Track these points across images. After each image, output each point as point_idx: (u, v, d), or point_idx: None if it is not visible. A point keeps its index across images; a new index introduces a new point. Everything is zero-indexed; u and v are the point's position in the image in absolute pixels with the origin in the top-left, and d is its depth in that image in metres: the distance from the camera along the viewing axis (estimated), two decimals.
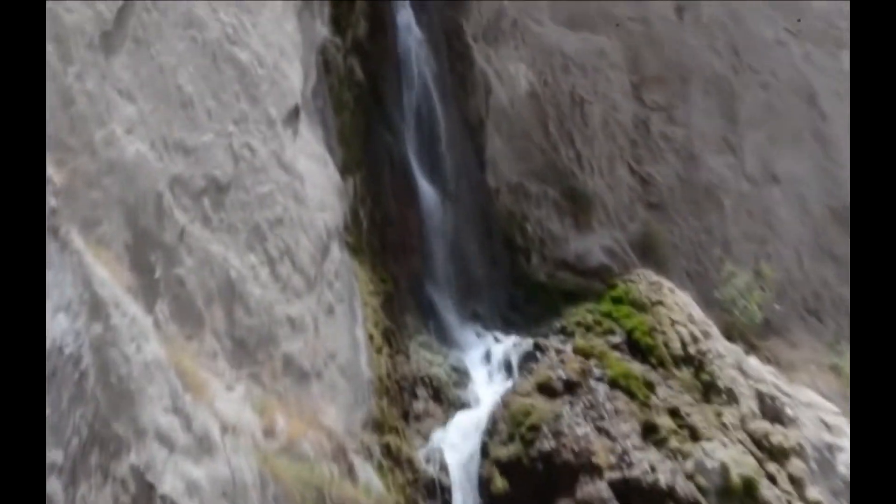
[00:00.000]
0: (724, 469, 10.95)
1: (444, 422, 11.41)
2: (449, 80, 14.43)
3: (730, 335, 13.95)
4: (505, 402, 11.37)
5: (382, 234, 12.44)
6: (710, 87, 17.57)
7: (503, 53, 15.35)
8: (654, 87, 16.99)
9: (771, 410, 11.99)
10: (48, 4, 6.99)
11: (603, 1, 16.66)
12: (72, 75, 7.46)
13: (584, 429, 10.98)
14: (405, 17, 13.96)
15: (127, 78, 8.17)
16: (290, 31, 10.98)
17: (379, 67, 13.31)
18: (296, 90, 10.78)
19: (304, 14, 11.62)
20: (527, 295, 14.23)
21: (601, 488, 10.49)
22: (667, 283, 13.82)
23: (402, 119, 13.50)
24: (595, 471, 10.59)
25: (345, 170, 11.83)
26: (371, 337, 11.13)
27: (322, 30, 12.22)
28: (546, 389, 11.48)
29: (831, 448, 11.71)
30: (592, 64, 16.23)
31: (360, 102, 12.77)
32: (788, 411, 11.97)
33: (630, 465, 10.74)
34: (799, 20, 19.54)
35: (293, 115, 10.66)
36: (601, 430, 11.02)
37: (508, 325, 13.35)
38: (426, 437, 11.11)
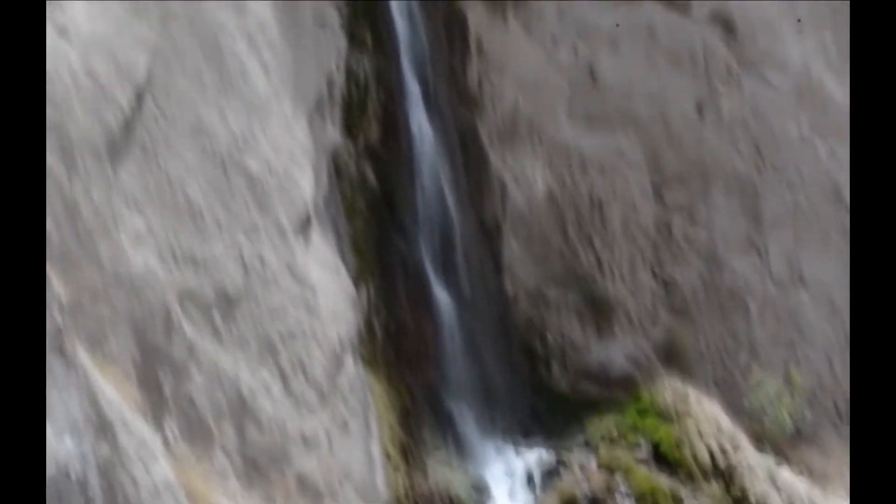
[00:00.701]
0: None
1: None
2: (464, 183, 14.27)
3: (760, 445, 13.57)
4: None
5: (397, 343, 12.19)
6: (732, 186, 17.38)
7: (519, 154, 15.21)
8: (674, 187, 16.81)
9: None
10: (51, 113, 6.86)
11: (620, 99, 16.56)
12: (78, 187, 7.35)
13: None
14: (418, 119, 13.81)
15: (134, 189, 8.05)
16: (300, 137, 10.90)
17: (392, 172, 13.16)
18: (307, 197, 10.65)
19: (315, 118, 11.56)
20: (548, 405, 13.87)
21: None
22: (693, 392, 13.50)
23: (416, 224, 13.30)
24: None
25: (358, 278, 11.64)
26: (387, 454, 10.91)
27: (333, 134, 12.13)
28: None
29: None
30: (611, 164, 16.08)
31: (373, 208, 12.62)
32: None
33: None
34: (799, 20, 19.56)
35: (305, 224, 10.53)
36: None
37: (530, 438, 12.97)
38: None
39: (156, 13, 8.68)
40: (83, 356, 6.70)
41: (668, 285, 16.09)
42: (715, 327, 16.18)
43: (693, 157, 17.06)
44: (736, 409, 14.34)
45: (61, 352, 6.19)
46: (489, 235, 14.66)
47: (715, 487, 12.18)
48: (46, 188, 6.12)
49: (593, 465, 12.05)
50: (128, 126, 8.02)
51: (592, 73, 16.35)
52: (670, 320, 15.85)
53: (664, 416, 13.05)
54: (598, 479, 11.70)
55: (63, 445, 5.90)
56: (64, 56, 7.35)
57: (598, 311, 15.07)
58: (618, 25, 16.64)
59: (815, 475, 13.98)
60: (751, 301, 16.70)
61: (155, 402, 8.04)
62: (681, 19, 17.51)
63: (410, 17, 14.12)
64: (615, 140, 16.29)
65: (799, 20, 18.91)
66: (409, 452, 11.37)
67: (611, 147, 16.19)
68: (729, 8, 18.40)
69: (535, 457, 12.34)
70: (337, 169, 12.06)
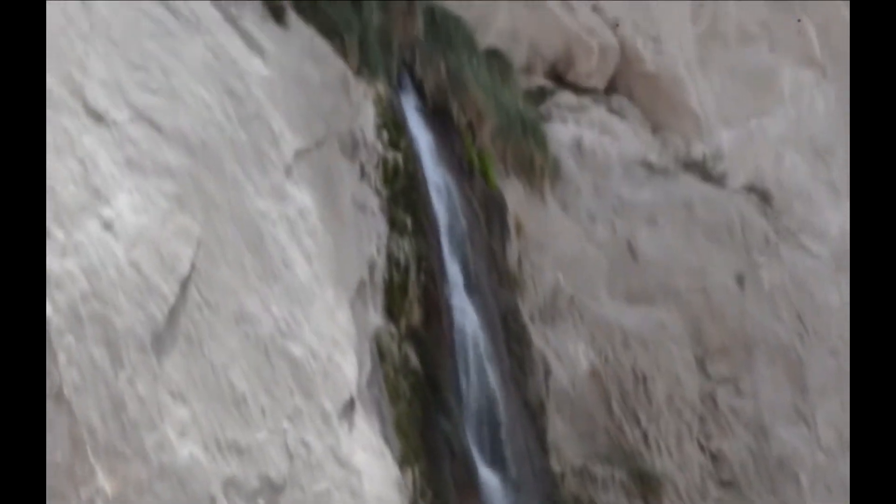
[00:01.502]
0: None
1: None
2: (506, 362, 14.22)
3: None
4: None
5: None
6: (776, 355, 17.29)
7: (561, 332, 15.21)
8: (718, 359, 16.73)
9: None
10: (96, 306, 6.96)
11: (660, 273, 16.63)
12: (123, 380, 7.34)
13: None
14: (459, 300, 13.86)
15: (179, 379, 8.04)
16: (342, 322, 10.91)
17: (434, 353, 13.13)
18: (350, 382, 10.59)
19: (357, 304, 11.60)
20: None
21: None
22: None
23: (460, 405, 13.20)
24: None
25: (403, 461, 11.47)
26: None
27: (375, 318, 12.17)
28: None
29: None
30: (654, 338, 16.04)
31: (417, 390, 12.54)
32: None
33: None
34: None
35: (348, 408, 10.44)
36: None
37: None
38: None
39: (198, 204, 8.79)
40: None
41: (715, 458, 15.87)
42: (765, 499, 15.88)
43: (735, 328, 17.02)
44: None
45: None
46: (533, 414, 14.53)
47: None
48: (90, 383, 6.20)
49: None
50: (172, 316, 8.04)
51: (631, 249, 16.47)
52: (720, 493, 15.57)
53: None
54: None
55: None
56: (110, 250, 7.46)
57: (647, 487, 14.82)
58: (654, 200, 16.82)
59: None
60: (800, 471, 16.42)
61: None
62: (717, 192, 17.71)
63: (449, 198, 14.31)
64: (657, 314, 16.30)
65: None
66: None
67: (653, 321, 16.19)
68: (764, 178, 18.61)
69: None
70: (379, 352, 12.04)
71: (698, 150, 19.50)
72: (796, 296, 18.07)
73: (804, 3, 21.90)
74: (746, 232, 17.82)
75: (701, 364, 16.55)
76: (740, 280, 17.46)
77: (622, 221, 16.64)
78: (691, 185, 17.70)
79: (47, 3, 6.81)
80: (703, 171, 18.66)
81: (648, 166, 17.80)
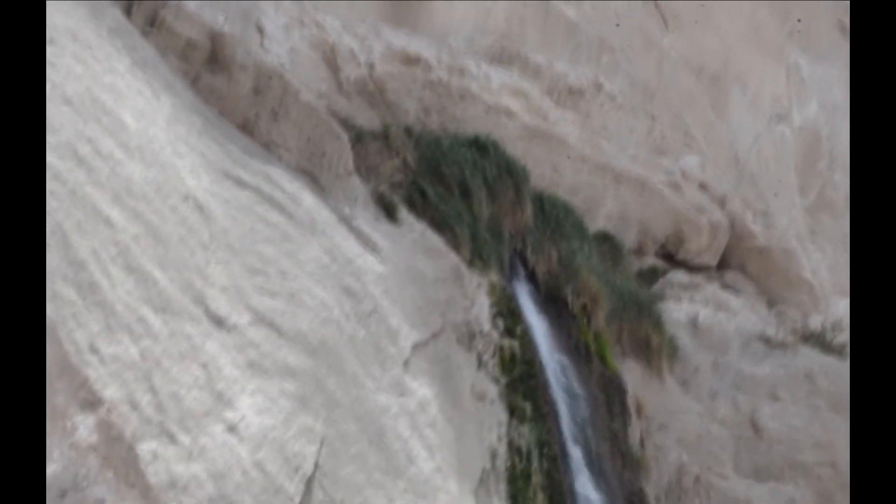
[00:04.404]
0: None
1: None
2: None
3: None
4: None
5: None
6: None
7: None
8: None
9: None
10: None
11: (786, 448, 16.24)
12: None
13: None
14: (583, 485, 13.68)
15: None
16: None
17: None
18: None
19: (481, 493, 11.51)
20: None
21: None
22: None
23: None
24: None
25: None
26: None
27: None
28: None
29: None
30: None
31: None
32: None
33: None
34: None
35: None
36: None
37: None
38: None
39: (320, 402, 8.91)
40: None
41: None
42: None
43: None
44: None
45: None
46: None
47: None
48: None
49: None
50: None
51: (754, 425, 16.16)
52: None
53: None
54: None
55: None
56: (235, 453, 7.57)
57: None
58: (775, 374, 16.58)
59: None
60: None
61: None
62: (838, 363, 17.37)
63: (567, 382, 14.27)
64: (786, 490, 15.85)
65: None
66: None
67: (782, 497, 15.74)
68: None
69: None
70: None
71: (816, 322, 19.27)
72: None
73: None
74: None
75: None
76: None
77: (744, 397, 16.39)
78: (811, 357, 17.42)
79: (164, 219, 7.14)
80: (822, 342, 18.38)
81: (766, 340, 17.60)
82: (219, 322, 8.14)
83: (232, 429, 7.70)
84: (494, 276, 13.81)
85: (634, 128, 18.94)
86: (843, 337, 18.63)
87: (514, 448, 12.88)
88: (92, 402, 6.04)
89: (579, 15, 18.31)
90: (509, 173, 15.51)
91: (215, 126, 9.80)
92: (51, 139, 6.79)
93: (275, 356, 8.54)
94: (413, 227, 12.78)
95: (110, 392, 6.24)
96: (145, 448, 6.45)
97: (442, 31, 16.48)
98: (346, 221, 11.12)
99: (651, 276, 18.90)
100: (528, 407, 13.33)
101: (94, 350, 6.22)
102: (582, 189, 17.78)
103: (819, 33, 23.07)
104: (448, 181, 14.35)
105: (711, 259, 20.00)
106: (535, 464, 13.11)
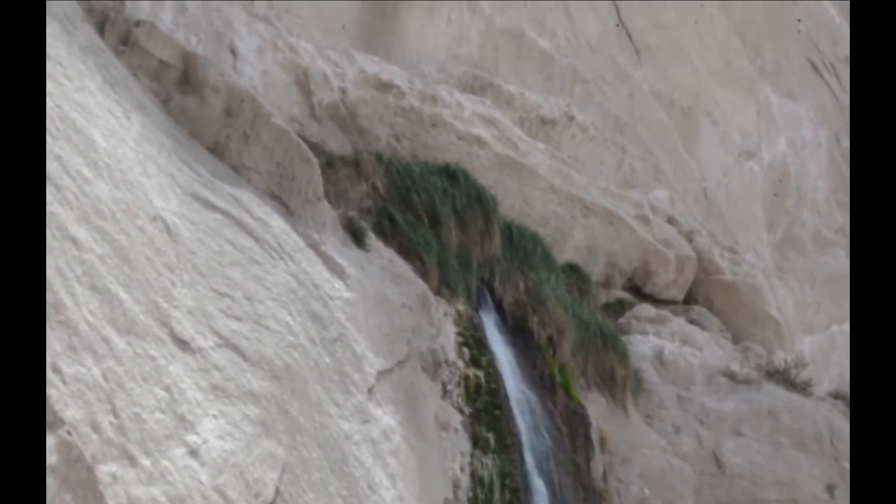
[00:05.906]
0: None
1: None
2: None
3: None
4: None
5: None
6: None
7: None
8: None
9: None
10: None
11: (748, 485, 16.25)
12: None
13: None
14: None
15: None
16: None
17: None
18: None
19: None
20: None
21: None
22: None
23: None
24: None
25: None
26: None
27: None
28: None
29: None
30: None
31: None
32: None
33: None
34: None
35: None
36: None
37: None
38: None
39: (283, 427, 8.84)
40: None
41: None
42: None
43: None
44: None
45: None
46: None
47: None
48: None
49: None
50: None
51: (717, 460, 16.20)
52: None
53: None
54: None
55: None
56: (195, 477, 7.49)
57: None
58: (739, 410, 16.64)
59: None
60: None
61: None
62: (802, 400, 17.46)
63: (532, 414, 14.25)
64: None
65: None
66: None
67: None
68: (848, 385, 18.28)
69: None
70: None
71: (780, 359, 19.35)
72: None
73: None
74: (836, 440, 17.45)
75: None
76: (831, 490, 17.02)
77: (707, 432, 16.42)
78: (776, 394, 17.49)
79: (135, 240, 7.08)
80: (786, 379, 18.46)
81: (731, 376, 17.65)
82: (183, 344, 8.06)
83: (193, 452, 7.62)
84: (461, 305, 13.79)
85: (605, 160, 19.02)
86: (807, 374, 18.73)
87: (476, 478, 12.83)
88: (52, 423, 5.95)
89: (552, 46, 18.38)
90: (479, 202, 15.51)
91: (185, 147, 9.74)
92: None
93: (238, 380, 8.47)
94: (381, 253, 12.75)
95: (71, 413, 6.15)
96: (105, 470, 6.36)
97: (415, 59, 16.51)
98: (314, 246, 11.08)
99: (618, 308, 18.94)
100: (491, 437, 13.29)
101: (56, 370, 6.13)
102: (551, 220, 17.80)
103: (790, 70, 23.28)
104: (417, 208, 14.34)
105: (678, 293, 20.06)
106: (497, 495, 13.06)
